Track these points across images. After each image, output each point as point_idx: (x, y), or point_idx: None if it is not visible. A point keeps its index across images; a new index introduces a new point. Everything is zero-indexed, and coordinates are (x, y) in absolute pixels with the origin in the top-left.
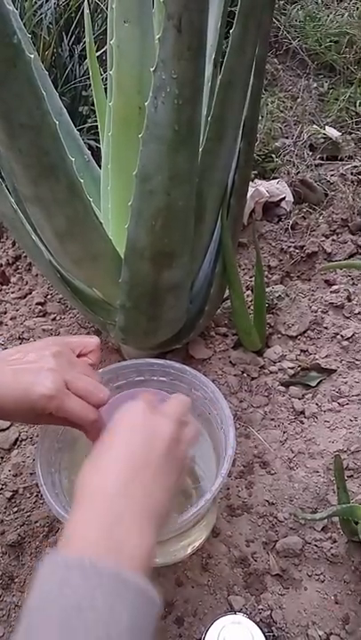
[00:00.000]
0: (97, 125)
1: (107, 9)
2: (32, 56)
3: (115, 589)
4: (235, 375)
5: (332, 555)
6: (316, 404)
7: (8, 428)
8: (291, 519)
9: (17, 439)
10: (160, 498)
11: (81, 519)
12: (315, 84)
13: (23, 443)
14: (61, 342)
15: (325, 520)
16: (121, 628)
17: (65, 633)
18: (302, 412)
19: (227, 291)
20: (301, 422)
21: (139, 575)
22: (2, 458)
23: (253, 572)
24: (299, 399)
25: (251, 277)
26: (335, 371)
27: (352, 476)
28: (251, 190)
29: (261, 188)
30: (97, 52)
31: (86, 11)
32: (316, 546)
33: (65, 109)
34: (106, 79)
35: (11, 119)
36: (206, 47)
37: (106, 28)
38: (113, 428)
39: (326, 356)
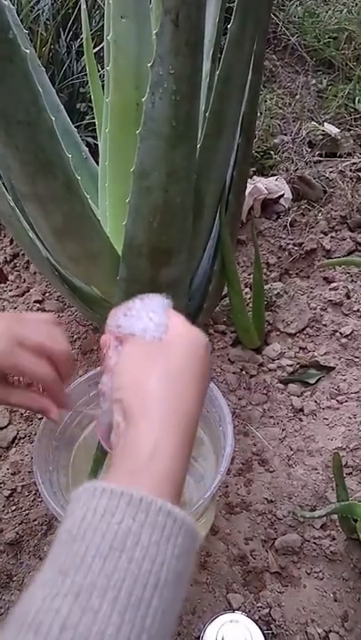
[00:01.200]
0: (95, 122)
1: (104, 5)
2: (28, 52)
3: (164, 528)
4: (233, 373)
5: (331, 552)
6: (315, 402)
7: (6, 427)
8: (290, 517)
9: (15, 437)
10: (197, 411)
11: (129, 445)
12: (313, 81)
13: (21, 441)
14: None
15: (324, 518)
16: (167, 571)
17: (107, 566)
18: (301, 410)
19: (225, 288)
20: (300, 420)
21: (185, 512)
22: (0, 456)
23: (252, 570)
24: (298, 397)
25: (249, 275)
26: (334, 368)
27: (351, 473)
28: (249, 187)
29: (260, 185)
30: (94, 48)
31: (83, 6)
32: (315, 543)
33: (62, 106)
34: (103, 75)
35: (7, 116)
36: (204, 43)
37: (103, 24)
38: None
39: (325, 354)
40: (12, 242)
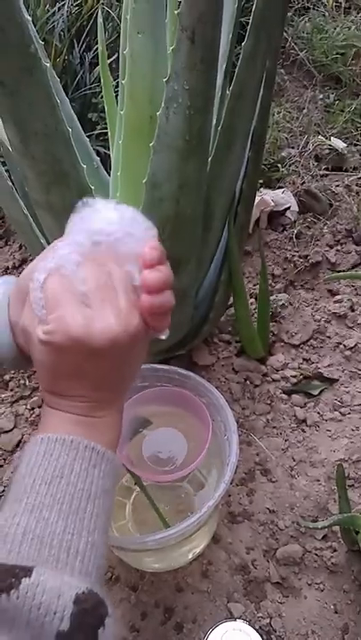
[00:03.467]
0: (106, 132)
1: (118, 18)
2: (48, 65)
3: (90, 459)
4: (237, 382)
5: (332, 564)
6: (318, 413)
7: (11, 430)
8: (291, 527)
9: (20, 441)
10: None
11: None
12: (321, 96)
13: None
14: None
15: (326, 529)
16: (96, 488)
17: (51, 489)
18: (304, 421)
19: (231, 298)
20: (303, 431)
21: (109, 448)
22: (5, 460)
23: (253, 580)
24: (301, 407)
25: (255, 285)
26: (337, 380)
27: (353, 485)
28: (256, 199)
29: (267, 197)
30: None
31: (100, 20)
32: (316, 554)
33: (75, 116)
34: (116, 87)
35: (25, 126)
36: (218, 59)
37: (116, 37)
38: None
39: (329, 366)
40: (20, 247)
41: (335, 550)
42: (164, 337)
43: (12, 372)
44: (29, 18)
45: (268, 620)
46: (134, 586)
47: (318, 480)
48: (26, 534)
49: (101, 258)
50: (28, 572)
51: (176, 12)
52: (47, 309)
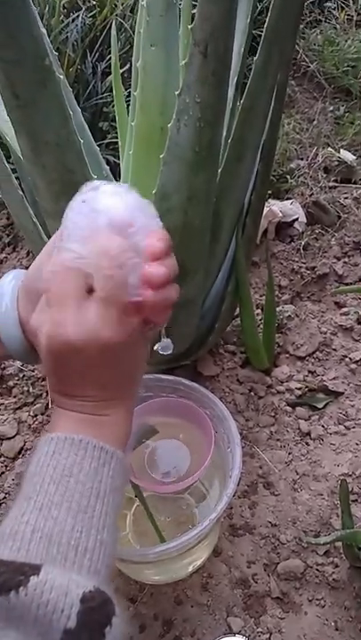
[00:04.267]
0: (116, 141)
1: (130, 29)
2: (62, 77)
3: (99, 458)
4: (242, 393)
5: (333, 580)
6: (323, 427)
7: (14, 437)
8: (293, 542)
9: (22, 448)
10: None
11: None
12: (331, 108)
13: (28, 452)
14: None
15: (328, 544)
16: (105, 487)
17: (61, 488)
18: (308, 434)
19: (237, 308)
20: (307, 444)
21: (117, 447)
22: (6, 466)
23: (254, 594)
24: (305, 420)
25: (261, 296)
26: (342, 393)
27: (356, 500)
28: (264, 210)
29: (275, 208)
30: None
31: (113, 32)
32: (317, 570)
33: (86, 125)
34: (126, 97)
35: (37, 137)
36: (230, 72)
37: (129, 48)
38: None
39: (334, 379)
40: (28, 254)
41: (337, 566)
42: (165, 352)
43: (16, 378)
44: (44, 31)
45: (267, 636)
46: (133, 597)
47: (321, 494)
48: (35, 532)
49: (104, 248)
50: (36, 569)
51: (189, 26)
52: (49, 304)
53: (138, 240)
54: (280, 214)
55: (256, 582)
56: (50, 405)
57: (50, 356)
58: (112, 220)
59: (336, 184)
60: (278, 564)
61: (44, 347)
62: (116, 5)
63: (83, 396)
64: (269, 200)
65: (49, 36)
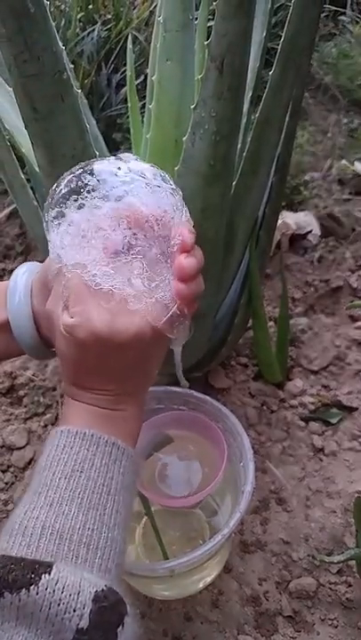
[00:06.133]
0: (130, 152)
1: (145, 41)
2: (79, 91)
3: (111, 454)
4: (254, 407)
5: (346, 599)
6: (336, 442)
7: (24, 447)
8: (306, 559)
9: (32, 459)
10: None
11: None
12: (345, 120)
13: (37, 461)
14: None
15: (341, 563)
16: (116, 484)
17: (71, 483)
18: (322, 450)
19: (250, 321)
20: (320, 460)
21: (129, 443)
22: (16, 477)
23: (265, 612)
24: (318, 435)
25: (274, 308)
26: (357, 409)
27: None
28: (278, 222)
29: (289, 220)
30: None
31: (129, 46)
32: (330, 589)
33: (101, 136)
34: (140, 109)
35: (54, 149)
36: (245, 87)
37: (143, 60)
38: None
39: (348, 393)
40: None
41: (350, 585)
42: (176, 347)
43: (27, 387)
44: (63, 47)
45: None
46: (142, 613)
47: (335, 511)
48: (45, 529)
49: (127, 234)
50: (47, 567)
51: (205, 42)
52: (71, 301)
53: (166, 233)
54: (294, 226)
55: (267, 600)
56: (60, 416)
57: (72, 344)
58: (142, 212)
59: (350, 196)
60: (290, 581)
61: (67, 335)
62: (131, 19)
63: (100, 389)
64: (283, 212)
65: (65, 49)
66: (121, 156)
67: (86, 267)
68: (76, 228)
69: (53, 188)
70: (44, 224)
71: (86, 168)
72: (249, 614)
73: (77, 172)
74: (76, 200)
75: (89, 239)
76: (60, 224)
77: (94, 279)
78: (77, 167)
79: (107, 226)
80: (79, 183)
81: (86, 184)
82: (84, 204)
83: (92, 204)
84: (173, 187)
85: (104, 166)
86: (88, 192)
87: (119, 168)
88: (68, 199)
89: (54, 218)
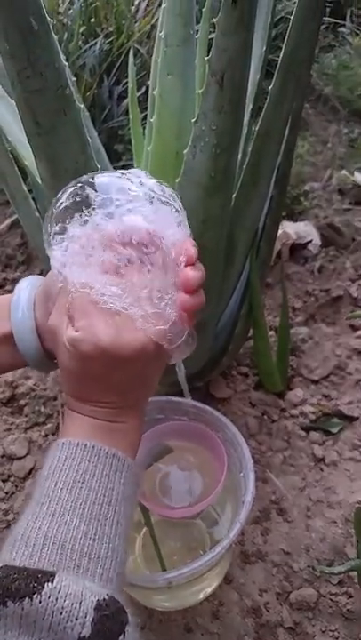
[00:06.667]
0: (131, 163)
1: (146, 53)
2: (81, 105)
3: (112, 465)
4: (255, 417)
5: (347, 610)
6: (337, 452)
7: (24, 457)
8: (306, 570)
9: (32, 469)
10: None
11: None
12: (345, 130)
13: (38, 472)
14: None
15: (342, 574)
16: (117, 494)
17: (73, 494)
18: (322, 460)
19: (250, 330)
20: (321, 470)
21: (129, 455)
22: (16, 486)
23: (265, 624)
24: (319, 445)
25: (275, 317)
26: (357, 418)
27: None
28: (278, 232)
29: (289, 230)
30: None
31: (131, 59)
32: (331, 600)
33: (103, 149)
34: (142, 120)
35: (57, 163)
36: (245, 101)
37: (145, 73)
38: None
39: (349, 403)
40: (41, 273)
41: (351, 596)
42: (175, 361)
43: (28, 397)
44: (66, 63)
45: None
46: (143, 624)
47: (335, 522)
48: (47, 539)
49: (133, 252)
50: (50, 576)
51: (206, 57)
52: (76, 316)
53: (171, 250)
54: (294, 236)
55: (268, 611)
56: (61, 425)
57: (76, 358)
58: (148, 230)
59: (350, 206)
60: (291, 592)
61: (72, 348)
62: (132, 32)
63: (101, 401)
64: (283, 222)
65: (67, 61)
66: (130, 171)
67: (94, 287)
68: (79, 245)
69: (54, 201)
70: (45, 239)
71: (89, 182)
72: (249, 625)
73: (80, 186)
74: (80, 216)
75: (94, 257)
76: (63, 239)
77: (102, 298)
78: (79, 180)
79: (112, 244)
80: (82, 198)
81: (90, 199)
82: (87, 220)
83: (97, 220)
84: (180, 204)
85: (110, 181)
86: (92, 208)
87: (130, 182)
88: (71, 214)
89: (56, 233)
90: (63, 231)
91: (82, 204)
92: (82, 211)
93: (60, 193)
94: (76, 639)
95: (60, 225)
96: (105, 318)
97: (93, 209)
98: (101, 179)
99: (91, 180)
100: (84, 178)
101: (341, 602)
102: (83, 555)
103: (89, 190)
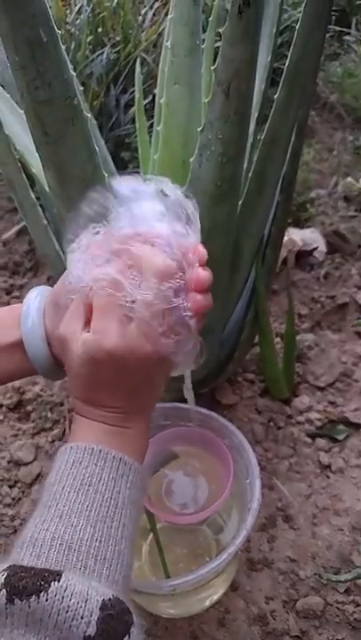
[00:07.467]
0: (138, 171)
1: (153, 62)
2: (89, 115)
3: (118, 469)
4: (261, 423)
5: (354, 619)
6: (343, 459)
7: (31, 463)
8: (313, 578)
9: (39, 474)
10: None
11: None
12: (351, 138)
13: (45, 478)
14: None
15: (349, 582)
16: (123, 498)
17: (80, 497)
18: (328, 467)
19: (256, 337)
20: (327, 477)
21: (136, 460)
22: (23, 492)
23: (272, 632)
24: (325, 452)
25: (281, 324)
26: None
27: None
28: (284, 239)
29: (295, 237)
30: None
31: (137, 68)
32: (337, 608)
33: (110, 157)
34: (148, 129)
35: (65, 171)
36: (251, 110)
37: (151, 82)
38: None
39: (355, 410)
40: (49, 279)
41: (358, 605)
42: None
43: (35, 403)
44: (73, 73)
45: None
46: (148, 631)
47: (342, 529)
48: (55, 540)
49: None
50: (57, 575)
51: (212, 67)
52: (94, 317)
53: (182, 249)
54: (300, 243)
55: (274, 619)
56: (67, 431)
57: (86, 363)
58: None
59: (356, 213)
60: (297, 600)
61: (82, 353)
62: (139, 42)
63: (109, 406)
64: (289, 229)
65: (75, 70)
66: (153, 179)
67: (124, 287)
68: (103, 250)
69: (80, 208)
70: (66, 245)
71: (113, 191)
72: (256, 634)
73: (104, 194)
74: (103, 223)
75: (115, 262)
76: (86, 246)
77: (125, 301)
78: (103, 189)
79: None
80: (103, 206)
81: (110, 208)
82: (110, 228)
83: (120, 227)
84: (197, 216)
85: (134, 190)
86: (114, 217)
87: (159, 192)
88: (94, 221)
89: (79, 240)
90: (85, 238)
91: (104, 212)
92: (106, 218)
93: (85, 201)
94: (81, 638)
95: (82, 231)
96: (120, 323)
97: (114, 217)
98: (125, 187)
99: (114, 187)
100: (108, 185)
101: (348, 610)
102: (89, 556)
103: (113, 200)
